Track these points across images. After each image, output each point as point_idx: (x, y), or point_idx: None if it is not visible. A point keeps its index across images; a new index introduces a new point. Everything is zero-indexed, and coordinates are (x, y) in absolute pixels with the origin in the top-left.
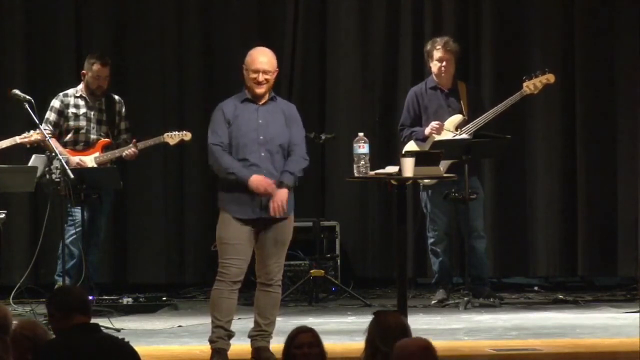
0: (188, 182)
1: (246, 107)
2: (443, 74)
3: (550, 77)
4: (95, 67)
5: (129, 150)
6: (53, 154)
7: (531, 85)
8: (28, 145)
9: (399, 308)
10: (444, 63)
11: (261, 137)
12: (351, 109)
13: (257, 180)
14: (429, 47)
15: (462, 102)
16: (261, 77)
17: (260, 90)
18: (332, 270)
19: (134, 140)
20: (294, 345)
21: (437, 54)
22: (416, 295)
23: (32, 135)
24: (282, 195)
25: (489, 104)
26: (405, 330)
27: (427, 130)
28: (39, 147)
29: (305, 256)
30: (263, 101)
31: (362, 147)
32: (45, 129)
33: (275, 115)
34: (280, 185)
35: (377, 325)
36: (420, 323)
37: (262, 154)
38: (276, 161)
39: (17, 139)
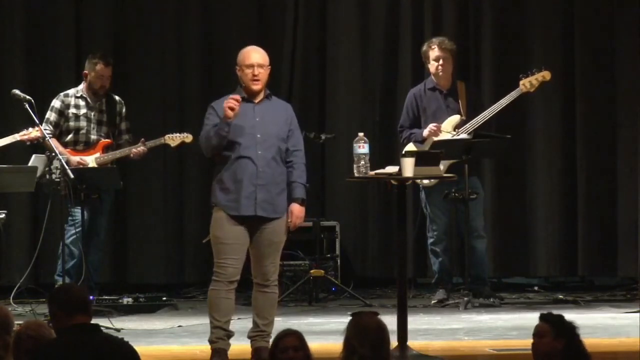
0: (188, 182)
1: (243, 106)
2: (441, 73)
3: (546, 75)
4: (99, 67)
5: (138, 149)
6: (53, 154)
7: (527, 83)
8: (28, 142)
9: (399, 308)
10: (441, 62)
11: (259, 136)
12: (351, 109)
13: (226, 105)
14: (425, 48)
15: (460, 103)
16: (257, 71)
17: (257, 86)
18: (332, 270)
19: (143, 139)
20: (279, 349)
21: (433, 53)
22: (416, 295)
23: (32, 132)
24: (301, 212)
25: (489, 103)
26: (382, 330)
27: (425, 132)
28: (39, 146)
29: (305, 256)
30: (259, 99)
31: (362, 147)
32: (45, 129)
33: (272, 113)
34: (301, 202)
35: (354, 326)
36: (420, 323)
37: (260, 152)
38: (273, 159)
39: (17, 136)
